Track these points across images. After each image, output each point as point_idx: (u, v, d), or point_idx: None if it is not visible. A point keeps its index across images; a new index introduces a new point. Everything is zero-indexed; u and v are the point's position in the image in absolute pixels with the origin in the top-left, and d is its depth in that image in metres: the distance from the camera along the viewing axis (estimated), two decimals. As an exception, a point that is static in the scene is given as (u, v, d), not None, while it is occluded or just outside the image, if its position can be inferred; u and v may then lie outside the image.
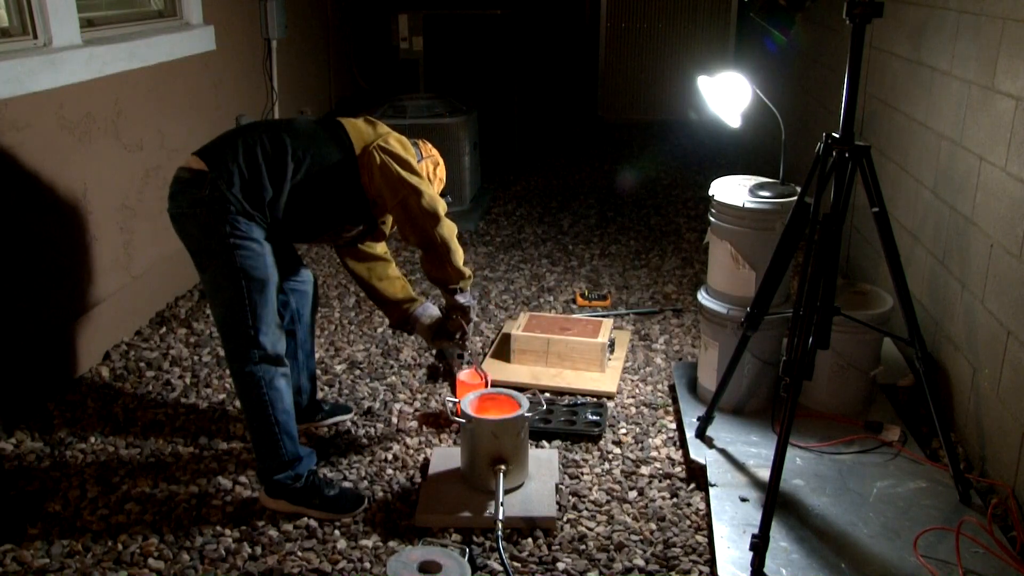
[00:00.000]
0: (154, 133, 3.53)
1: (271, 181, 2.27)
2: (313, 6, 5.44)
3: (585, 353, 3.09)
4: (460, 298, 2.56)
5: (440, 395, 2.98)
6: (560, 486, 2.46)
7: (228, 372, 3.05)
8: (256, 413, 2.30)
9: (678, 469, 2.57)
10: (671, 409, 2.91)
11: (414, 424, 2.81)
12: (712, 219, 2.70)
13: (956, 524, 2.15)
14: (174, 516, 2.33)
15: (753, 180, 2.73)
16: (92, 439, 2.69)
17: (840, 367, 2.68)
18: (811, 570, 2.04)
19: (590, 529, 2.29)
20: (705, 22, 7.28)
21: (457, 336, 2.66)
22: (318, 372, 3.14)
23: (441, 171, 2.64)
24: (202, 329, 3.47)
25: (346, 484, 2.47)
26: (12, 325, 2.75)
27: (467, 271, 2.54)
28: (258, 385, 2.27)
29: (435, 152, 2.63)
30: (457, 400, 2.46)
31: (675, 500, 2.41)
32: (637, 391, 3.04)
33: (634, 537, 2.26)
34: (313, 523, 2.30)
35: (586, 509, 2.38)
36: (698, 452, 2.55)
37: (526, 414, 2.38)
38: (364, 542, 2.23)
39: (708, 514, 2.30)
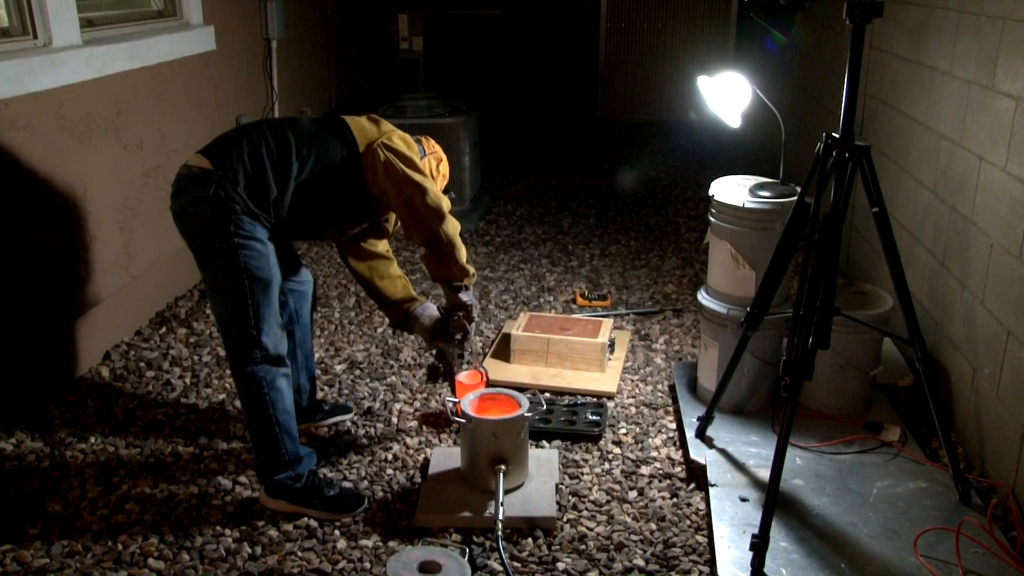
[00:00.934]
0: (154, 133, 3.53)
1: (275, 180, 2.27)
2: (313, 6, 5.44)
3: (585, 353, 3.09)
4: (464, 296, 2.56)
5: (440, 395, 2.98)
6: (560, 486, 2.46)
7: (228, 372, 3.06)
8: (257, 413, 2.30)
9: (678, 469, 2.57)
10: (671, 409, 2.91)
11: (414, 424, 2.81)
12: (712, 219, 2.70)
13: (956, 524, 2.15)
14: (174, 516, 2.33)
15: (753, 180, 2.73)
16: (92, 439, 2.69)
17: (840, 367, 2.68)
18: (811, 570, 2.04)
19: (590, 529, 2.29)
20: (705, 22, 7.28)
21: (458, 336, 2.65)
22: (318, 372, 3.14)
23: (444, 167, 2.63)
24: (202, 329, 3.47)
25: (346, 484, 2.47)
26: (12, 325, 2.75)
27: (471, 269, 2.55)
28: (259, 385, 2.28)
29: (438, 148, 2.63)
30: (457, 400, 2.46)
31: (675, 500, 2.41)
32: (637, 391, 3.04)
33: (634, 537, 2.26)
34: (313, 523, 2.30)
35: (586, 509, 2.38)
36: (698, 452, 2.55)
37: (526, 414, 2.38)
38: (364, 542, 2.23)
39: (708, 514, 2.30)
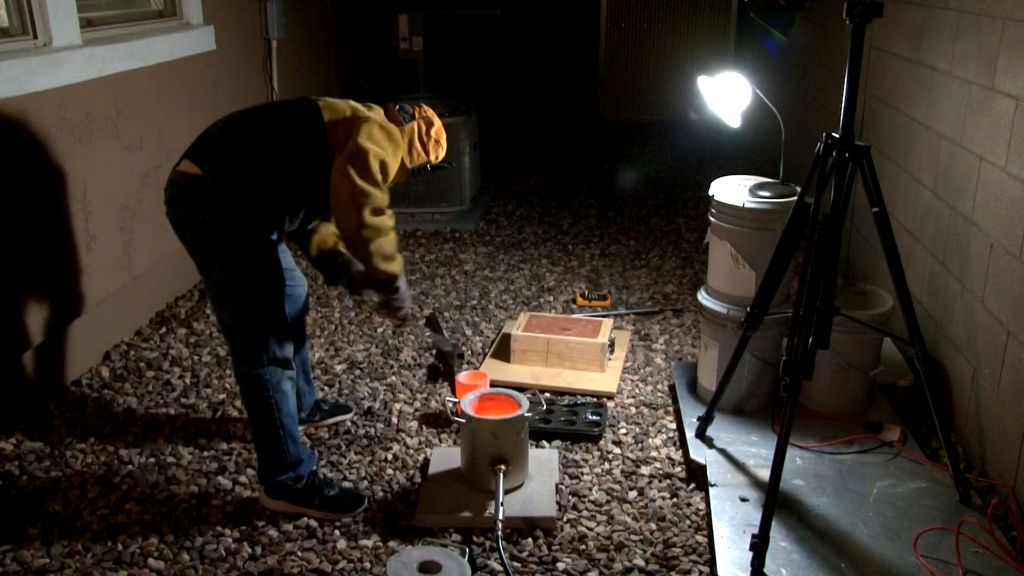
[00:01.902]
0: (154, 133, 3.52)
1: (264, 174, 2.26)
2: (313, 6, 5.44)
3: (585, 353, 3.09)
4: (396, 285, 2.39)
5: (440, 395, 2.98)
6: (560, 486, 2.46)
7: (228, 372, 3.07)
8: (261, 415, 2.31)
9: (678, 469, 2.56)
10: (671, 409, 2.91)
11: (414, 424, 2.81)
12: (712, 219, 2.70)
13: (956, 524, 2.15)
14: (174, 516, 2.33)
15: (753, 180, 2.73)
16: (92, 439, 2.69)
17: (840, 367, 2.68)
18: (811, 570, 2.04)
19: (590, 529, 2.29)
20: (705, 22, 7.28)
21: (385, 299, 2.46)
22: (318, 372, 3.14)
23: (436, 132, 2.50)
24: (202, 329, 3.47)
25: (346, 484, 2.47)
26: (12, 325, 2.75)
27: (389, 269, 2.34)
28: (265, 388, 2.28)
29: (431, 114, 2.51)
30: (457, 400, 2.46)
31: (675, 500, 2.41)
32: (637, 391, 3.04)
33: (634, 537, 2.26)
34: (313, 523, 2.30)
35: (586, 509, 2.38)
36: (698, 452, 2.55)
37: (526, 414, 2.38)
38: (364, 542, 2.23)
39: (708, 514, 2.30)
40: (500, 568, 2.12)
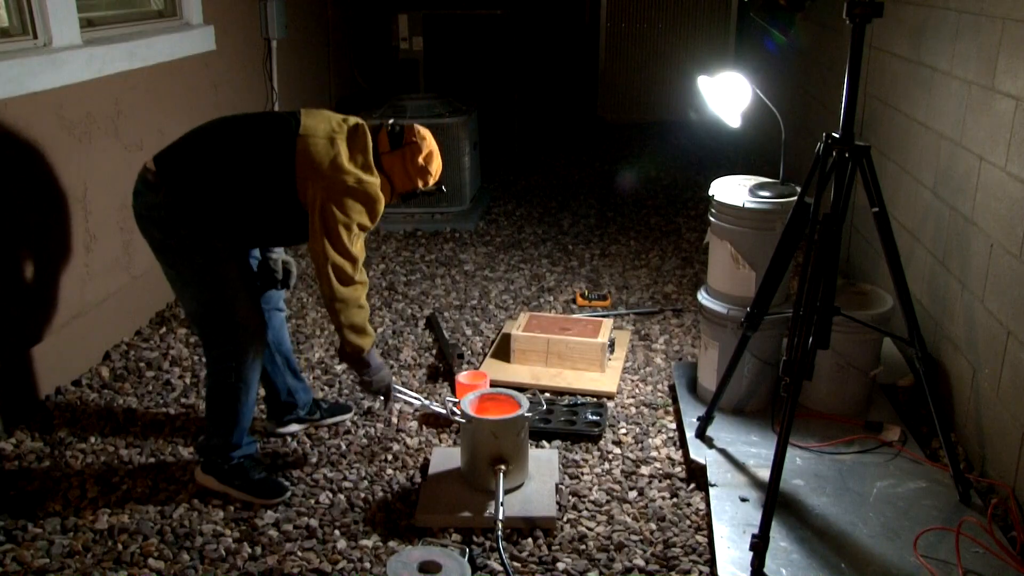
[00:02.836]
0: (154, 133, 3.52)
1: (217, 193, 2.28)
2: (313, 6, 5.44)
3: (585, 353, 3.09)
4: (365, 365, 2.45)
5: (440, 395, 2.98)
6: (560, 486, 2.46)
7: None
8: (221, 401, 2.39)
9: (678, 469, 2.56)
10: (671, 409, 2.91)
11: (414, 424, 2.81)
12: (712, 219, 2.70)
13: (956, 524, 2.15)
14: (174, 516, 2.33)
15: (753, 180, 2.73)
16: (92, 439, 2.69)
17: (840, 367, 2.68)
18: (811, 570, 2.04)
19: (590, 529, 2.29)
20: (705, 22, 7.28)
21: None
22: (318, 372, 3.14)
23: (424, 159, 2.40)
24: (202, 329, 3.48)
25: (346, 484, 2.47)
26: (12, 325, 2.75)
27: (358, 342, 2.38)
28: (228, 376, 2.35)
29: (422, 137, 2.42)
30: (457, 400, 2.46)
31: (675, 500, 2.41)
32: (637, 391, 3.04)
33: (634, 537, 2.26)
34: (313, 523, 2.30)
35: (586, 509, 2.38)
36: (698, 452, 2.55)
37: (526, 414, 2.38)
38: (364, 542, 2.23)
39: (708, 514, 2.30)
40: (500, 568, 2.12)
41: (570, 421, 2.76)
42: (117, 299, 3.31)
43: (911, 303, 2.25)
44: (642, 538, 2.25)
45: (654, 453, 2.65)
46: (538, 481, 2.44)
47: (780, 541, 2.14)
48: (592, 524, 2.31)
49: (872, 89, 3.68)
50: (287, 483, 2.46)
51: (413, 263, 4.24)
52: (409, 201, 2.53)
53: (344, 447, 2.67)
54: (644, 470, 2.55)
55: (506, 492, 2.30)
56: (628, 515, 2.35)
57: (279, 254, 2.54)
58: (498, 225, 4.85)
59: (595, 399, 2.96)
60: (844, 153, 2.13)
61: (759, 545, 2.03)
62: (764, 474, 2.40)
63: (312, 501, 2.41)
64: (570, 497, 2.42)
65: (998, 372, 2.39)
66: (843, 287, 2.88)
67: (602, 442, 2.70)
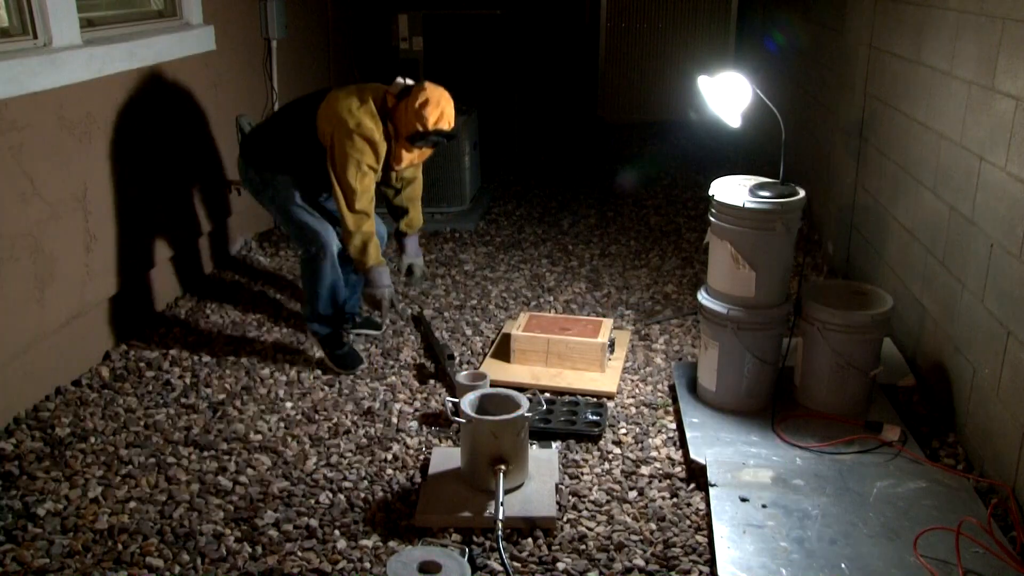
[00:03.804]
0: (154, 133, 3.52)
1: (272, 143, 3.15)
2: (313, 6, 5.43)
3: (585, 353, 3.09)
4: (371, 276, 3.06)
5: (440, 395, 2.98)
6: (560, 486, 2.46)
7: (227, 372, 3.10)
8: (306, 280, 3.13)
9: (678, 469, 2.57)
10: (671, 409, 2.91)
11: (414, 424, 2.81)
12: (712, 219, 2.70)
13: (956, 524, 2.15)
14: (174, 516, 2.33)
15: (753, 180, 2.73)
16: (92, 439, 2.69)
17: (840, 367, 2.68)
18: (811, 570, 2.04)
19: (590, 529, 2.29)
20: (705, 22, 7.27)
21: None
22: (318, 372, 3.14)
23: (420, 102, 2.90)
24: (202, 329, 3.48)
25: (346, 484, 2.47)
26: (12, 325, 2.75)
27: (365, 260, 3.01)
28: (307, 264, 3.08)
29: (425, 87, 2.95)
30: (457, 400, 2.46)
31: (675, 500, 2.42)
32: (637, 391, 3.04)
33: (634, 537, 2.26)
34: (313, 523, 2.30)
35: (586, 509, 2.38)
36: (698, 452, 2.55)
37: (526, 414, 2.38)
38: (364, 542, 2.23)
39: (708, 514, 2.30)
40: (500, 568, 2.12)
41: (570, 421, 2.76)
42: (117, 299, 3.31)
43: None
44: (642, 538, 2.25)
45: (654, 453, 2.65)
46: (538, 481, 2.44)
47: (780, 541, 2.14)
48: (592, 524, 2.31)
49: (872, 89, 3.68)
50: (360, 358, 3.17)
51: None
52: (419, 145, 2.99)
53: (344, 447, 2.67)
54: (644, 470, 2.55)
55: (506, 492, 2.30)
56: (628, 515, 2.35)
57: (409, 257, 3.37)
58: (498, 225, 4.85)
59: (595, 399, 2.96)
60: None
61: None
62: (764, 474, 2.41)
63: (312, 501, 2.41)
64: (570, 497, 2.42)
65: (998, 372, 2.39)
66: (843, 287, 2.88)
67: (602, 442, 2.70)
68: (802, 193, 2.64)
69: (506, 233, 4.71)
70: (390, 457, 2.63)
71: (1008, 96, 2.40)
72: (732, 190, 2.67)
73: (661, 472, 2.55)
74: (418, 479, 2.52)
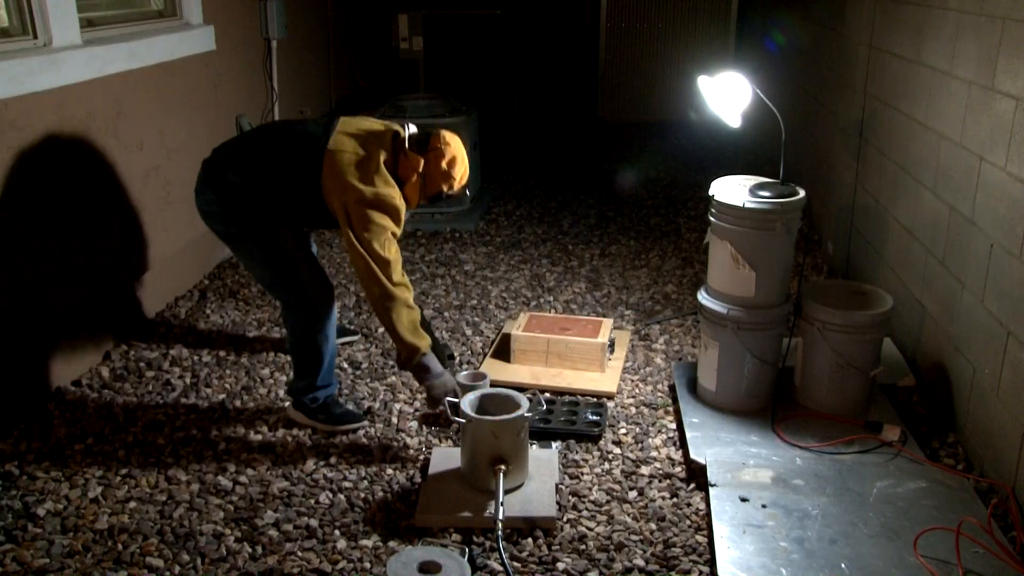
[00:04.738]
0: (154, 133, 3.53)
1: (258, 191, 2.61)
2: (313, 6, 5.44)
3: (585, 353, 3.09)
4: (422, 369, 2.62)
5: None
6: (560, 486, 2.46)
7: (228, 372, 3.09)
8: (303, 351, 2.70)
9: (678, 469, 2.57)
10: (671, 409, 2.91)
11: (414, 424, 2.81)
12: (712, 219, 2.70)
13: (956, 524, 2.15)
14: (174, 516, 2.33)
15: (753, 180, 2.73)
16: (92, 439, 2.69)
17: (840, 367, 2.68)
18: (811, 570, 2.04)
19: (590, 529, 2.29)
20: (705, 22, 7.27)
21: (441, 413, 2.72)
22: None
23: (447, 164, 2.60)
24: (202, 329, 3.48)
25: (346, 483, 2.47)
26: (12, 325, 2.75)
27: (416, 344, 2.57)
28: (306, 332, 2.67)
29: (447, 142, 2.61)
30: (457, 400, 2.46)
31: (675, 500, 2.42)
32: (637, 391, 3.04)
33: (634, 537, 2.26)
34: (313, 523, 2.30)
35: (586, 509, 2.38)
36: (698, 452, 2.55)
37: (526, 414, 2.38)
38: (364, 542, 2.23)
39: (708, 514, 2.30)
40: (500, 568, 2.12)
41: (570, 421, 2.76)
42: (117, 299, 3.31)
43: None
44: (642, 538, 2.25)
45: (654, 453, 2.65)
46: (538, 481, 2.44)
47: (780, 541, 2.14)
48: (592, 524, 2.31)
49: (872, 89, 3.67)
50: (360, 411, 2.81)
51: (413, 263, 4.24)
52: (438, 204, 2.80)
53: (344, 447, 2.67)
54: (644, 470, 2.55)
55: (506, 492, 2.30)
56: (628, 515, 2.35)
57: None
58: (498, 225, 4.85)
59: (595, 399, 2.96)
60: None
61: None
62: (764, 474, 2.41)
63: (312, 501, 2.41)
64: (570, 497, 2.42)
65: (998, 372, 2.39)
66: (843, 287, 2.88)
67: (602, 442, 2.70)
68: (802, 193, 2.64)
69: (506, 233, 4.71)
70: (390, 457, 2.63)
71: (1008, 96, 2.40)
72: (732, 190, 2.67)
73: (661, 472, 2.55)
74: (418, 479, 2.52)
